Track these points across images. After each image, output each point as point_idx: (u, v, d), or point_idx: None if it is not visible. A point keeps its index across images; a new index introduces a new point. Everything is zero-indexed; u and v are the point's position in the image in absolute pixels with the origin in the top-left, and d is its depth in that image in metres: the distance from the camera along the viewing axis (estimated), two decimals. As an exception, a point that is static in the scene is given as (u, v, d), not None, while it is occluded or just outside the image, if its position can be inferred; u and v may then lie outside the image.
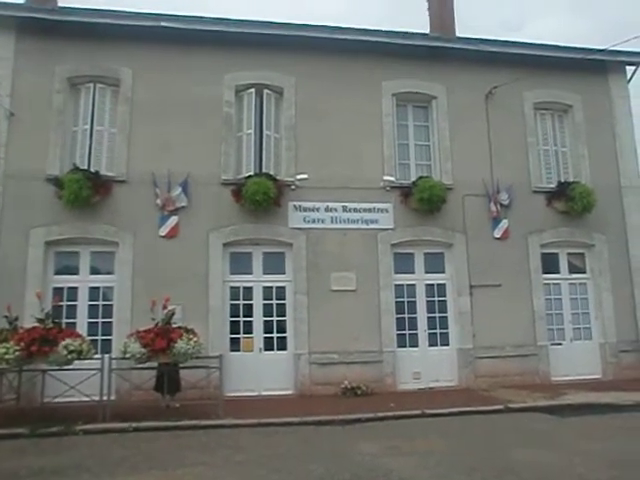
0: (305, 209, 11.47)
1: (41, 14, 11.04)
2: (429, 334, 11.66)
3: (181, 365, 9.08)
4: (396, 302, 11.55)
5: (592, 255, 12.62)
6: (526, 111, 12.78)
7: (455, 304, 11.76)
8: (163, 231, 10.84)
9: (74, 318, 10.39)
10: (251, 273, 11.30)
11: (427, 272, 11.94)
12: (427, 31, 13.61)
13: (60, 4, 12.12)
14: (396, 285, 11.64)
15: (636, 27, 28.67)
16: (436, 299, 11.85)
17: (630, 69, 13.37)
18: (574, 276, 12.61)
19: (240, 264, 11.27)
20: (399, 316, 11.55)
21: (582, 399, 9.77)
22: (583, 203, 12.05)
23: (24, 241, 10.38)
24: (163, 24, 11.18)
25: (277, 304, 11.23)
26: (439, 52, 12.42)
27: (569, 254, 12.67)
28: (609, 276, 12.43)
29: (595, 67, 13.10)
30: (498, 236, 12.06)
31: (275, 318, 11.17)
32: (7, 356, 8.02)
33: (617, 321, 12.25)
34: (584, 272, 12.68)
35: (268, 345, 11.03)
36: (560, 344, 12.13)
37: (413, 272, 11.89)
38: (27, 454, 6.65)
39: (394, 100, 12.28)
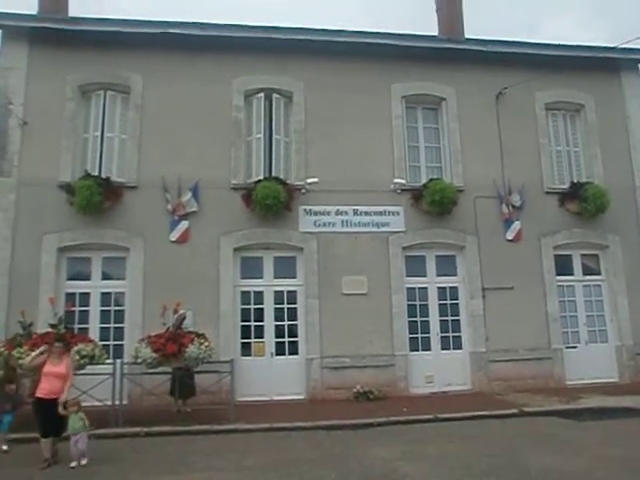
0: (316, 213, 11.45)
1: (53, 24, 11.18)
2: (441, 337, 11.55)
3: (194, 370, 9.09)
4: (408, 305, 11.48)
5: (606, 256, 12.43)
6: (537, 111, 12.66)
7: (467, 307, 11.64)
8: (174, 236, 10.88)
9: (86, 323, 10.46)
10: (262, 277, 11.27)
11: (439, 275, 11.84)
12: (436, 33, 13.56)
13: (71, 14, 12.27)
14: (408, 288, 11.56)
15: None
16: (448, 302, 11.74)
17: (643, 67, 13.22)
18: (588, 278, 12.43)
19: (251, 268, 11.27)
20: (411, 319, 11.47)
21: (599, 403, 9.63)
22: (596, 204, 11.89)
23: (37, 247, 10.48)
24: (170, 31, 11.26)
25: (288, 308, 11.19)
26: (448, 54, 12.37)
27: (583, 256, 12.49)
28: (624, 277, 12.23)
29: (607, 66, 12.96)
30: (510, 238, 11.94)
31: (286, 322, 11.14)
32: (21, 361, 8.06)
33: (633, 323, 12.03)
34: (598, 274, 12.49)
35: (279, 349, 10.99)
36: (575, 347, 11.94)
37: (425, 275, 11.80)
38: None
39: (403, 102, 12.25)
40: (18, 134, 10.90)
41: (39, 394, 6.67)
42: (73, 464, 6.36)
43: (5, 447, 7.21)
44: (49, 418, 6.51)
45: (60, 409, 6.48)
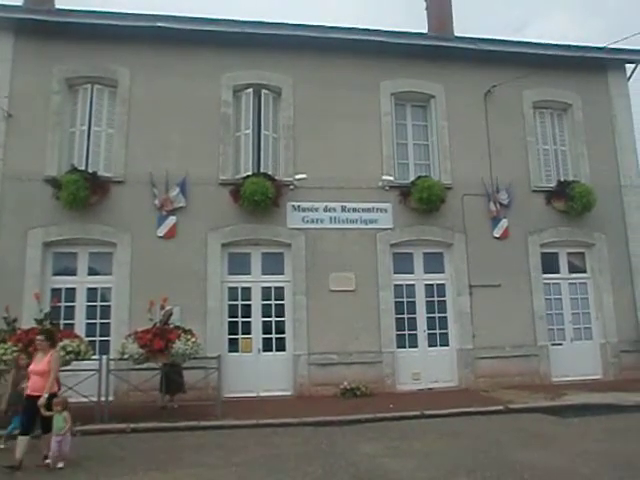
0: (304, 209, 11.44)
1: (39, 16, 11.03)
2: (429, 334, 11.60)
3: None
4: (395, 302, 11.51)
5: (592, 254, 12.57)
6: (525, 110, 12.74)
7: (455, 304, 11.71)
8: (161, 231, 10.80)
9: (72, 319, 10.36)
10: (250, 273, 11.25)
11: (426, 272, 11.89)
12: (425, 30, 13.57)
13: (57, 5, 12.10)
14: (395, 285, 11.59)
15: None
16: (435, 299, 11.80)
17: (630, 67, 13.36)
18: (574, 276, 12.55)
19: (239, 264, 11.23)
20: (398, 316, 11.50)
21: (583, 400, 9.72)
22: (583, 202, 12.01)
23: (22, 242, 10.36)
24: (159, 24, 11.15)
25: (276, 304, 11.18)
26: (438, 51, 12.40)
27: (569, 254, 12.62)
28: (609, 275, 12.37)
29: (594, 65, 13.09)
30: (498, 236, 12.02)
31: (274, 319, 11.12)
32: (5, 357, 7.99)
33: (618, 321, 12.19)
34: (584, 272, 12.62)
35: (267, 346, 10.97)
36: (560, 344, 12.07)
37: (412, 272, 11.84)
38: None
39: (392, 99, 12.26)
40: (3, 127, 10.76)
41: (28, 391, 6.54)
42: (60, 465, 6.19)
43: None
44: (30, 415, 6.35)
45: (42, 410, 6.28)
